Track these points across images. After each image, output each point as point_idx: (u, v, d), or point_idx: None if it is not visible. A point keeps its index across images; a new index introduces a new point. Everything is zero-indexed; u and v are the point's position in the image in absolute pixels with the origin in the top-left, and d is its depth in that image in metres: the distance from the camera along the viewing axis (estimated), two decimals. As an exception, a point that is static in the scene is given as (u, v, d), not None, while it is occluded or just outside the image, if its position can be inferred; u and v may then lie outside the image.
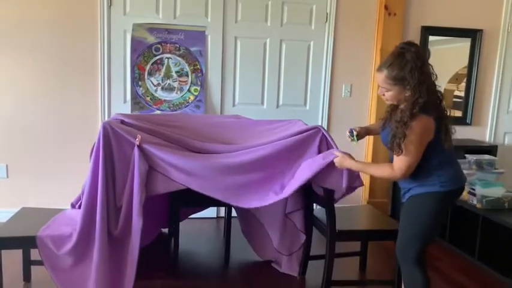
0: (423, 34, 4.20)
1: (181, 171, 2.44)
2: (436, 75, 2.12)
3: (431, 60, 4.15)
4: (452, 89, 4.43)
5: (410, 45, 2.08)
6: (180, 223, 3.25)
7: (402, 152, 2.05)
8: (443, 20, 4.21)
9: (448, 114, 2.17)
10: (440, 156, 2.16)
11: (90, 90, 3.75)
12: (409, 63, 2.03)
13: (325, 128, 3.98)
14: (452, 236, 3.62)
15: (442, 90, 4.23)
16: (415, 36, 4.18)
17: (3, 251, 2.46)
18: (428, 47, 4.23)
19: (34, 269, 2.77)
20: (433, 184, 2.16)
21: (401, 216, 2.30)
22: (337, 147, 2.57)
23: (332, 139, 2.61)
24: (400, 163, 2.10)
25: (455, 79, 4.42)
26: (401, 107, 2.13)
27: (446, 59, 4.41)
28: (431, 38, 4.23)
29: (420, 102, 2.01)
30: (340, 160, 2.39)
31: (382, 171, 2.26)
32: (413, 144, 2.05)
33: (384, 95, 2.18)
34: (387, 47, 4.06)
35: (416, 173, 2.14)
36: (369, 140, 4.21)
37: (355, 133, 2.43)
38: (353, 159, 2.39)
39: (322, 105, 4.17)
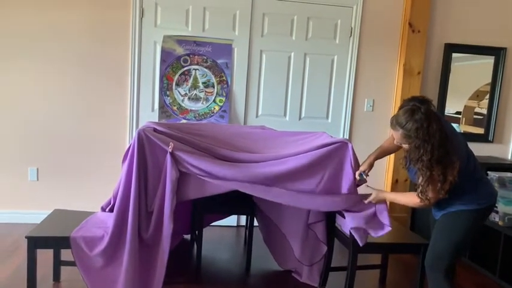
0: (446, 51, 4.24)
1: (213, 176, 2.52)
2: (446, 133, 2.17)
3: (452, 77, 4.23)
4: (473, 106, 4.44)
5: (421, 103, 2.18)
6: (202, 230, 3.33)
7: (429, 201, 2.21)
8: (467, 37, 4.25)
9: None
10: (475, 177, 2.30)
11: (120, 98, 3.89)
12: (416, 123, 2.13)
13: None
14: (474, 253, 3.62)
15: (463, 107, 4.36)
16: (438, 53, 4.23)
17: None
18: (451, 63, 4.27)
19: (64, 269, 2.88)
20: (470, 202, 2.27)
21: (434, 231, 2.39)
22: (358, 164, 2.63)
23: (355, 155, 2.67)
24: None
25: (476, 96, 4.43)
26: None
27: (468, 76, 4.42)
28: (454, 54, 4.27)
29: (424, 160, 2.12)
30: (376, 196, 2.53)
31: (412, 201, 2.35)
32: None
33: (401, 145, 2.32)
34: (410, 63, 4.13)
35: (455, 192, 2.22)
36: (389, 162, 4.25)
37: (364, 176, 2.57)
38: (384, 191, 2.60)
39: (344, 119, 4.22)
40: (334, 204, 2.62)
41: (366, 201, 2.56)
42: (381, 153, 2.66)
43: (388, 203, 2.65)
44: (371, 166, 2.60)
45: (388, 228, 2.55)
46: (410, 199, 2.36)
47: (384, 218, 2.57)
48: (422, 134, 2.11)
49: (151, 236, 2.52)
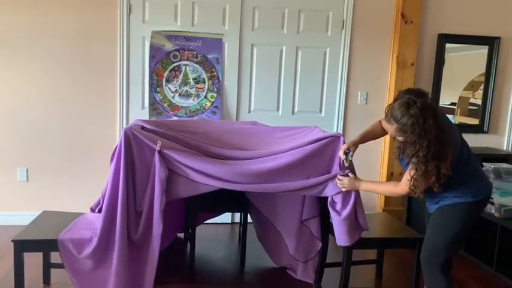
0: (440, 42, 4.19)
1: (203, 174, 2.47)
2: (442, 128, 2.11)
3: (446, 68, 4.18)
4: (468, 97, 4.40)
5: (418, 97, 2.12)
6: (196, 228, 3.28)
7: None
8: (460, 27, 4.20)
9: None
10: (469, 168, 2.25)
11: (110, 96, 3.82)
12: (411, 118, 2.07)
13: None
14: (470, 245, 3.59)
15: (457, 98, 4.32)
16: (431, 44, 4.19)
17: (24, 254, 2.50)
18: (444, 54, 4.22)
19: (54, 272, 2.82)
20: (465, 195, 2.23)
21: (429, 226, 2.35)
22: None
23: None
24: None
25: (471, 86, 4.39)
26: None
27: (462, 66, 4.39)
28: (448, 45, 4.22)
29: (420, 155, 2.07)
30: (349, 183, 2.46)
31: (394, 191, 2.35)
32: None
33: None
34: (403, 55, 4.08)
35: (449, 185, 2.18)
36: (384, 153, 4.22)
37: (350, 154, 2.47)
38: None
39: (338, 112, 4.17)
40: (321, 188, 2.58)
41: (338, 185, 2.50)
42: (367, 136, 2.57)
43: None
44: (355, 146, 2.50)
45: (363, 229, 2.57)
46: (391, 189, 2.35)
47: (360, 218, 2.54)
48: (418, 129, 2.06)
49: (140, 236, 2.46)
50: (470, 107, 4.42)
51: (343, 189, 2.50)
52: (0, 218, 3.77)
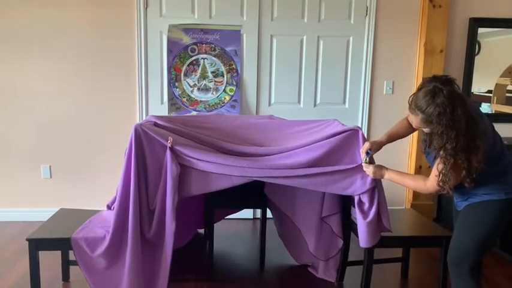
0: (471, 26, 3.95)
1: (215, 164, 2.39)
2: (472, 118, 1.94)
3: (481, 54, 3.94)
4: (505, 84, 4.16)
5: (444, 84, 1.94)
6: (217, 224, 3.25)
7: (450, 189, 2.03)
8: (493, 10, 3.95)
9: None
10: (502, 163, 2.08)
11: (128, 92, 3.81)
12: (438, 107, 1.91)
13: (364, 128, 3.84)
14: (504, 242, 3.38)
15: (494, 85, 4.07)
16: (462, 29, 3.96)
17: (42, 251, 2.50)
18: (478, 39, 3.98)
19: (73, 269, 2.83)
20: (497, 192, 2.05)
21: (457, 225, 2.19)
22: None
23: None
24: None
25: (509, 73, 4.14)
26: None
27: (498, 52, 4.14)
28: (480, 30, 3.97)
29: (448, 148, 1.92)
30: (375, 171, 2.32)
31: (420, 185, 2.22)
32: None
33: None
34: (432, 42, 3.87)
35: (480, 180, 2.01)
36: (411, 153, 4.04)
37: (369, 155, 2.33)
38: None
39: (363, 104, 4.01)
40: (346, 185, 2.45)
41: (364, 169, 2.37)
42: (393, 136, 2.41)
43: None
44: (379, 147, 2.36)
45: (386, 230, 2.45)
46: (420, 185, 2.19)
47: (385, 219, 2.42)
48: (445, 119, 1.90)
49: (153, 235, 2.42)
50: (507, 94, 4.17)
51: (371, 176, 2.37)
52: (24, 215, 3.84)
